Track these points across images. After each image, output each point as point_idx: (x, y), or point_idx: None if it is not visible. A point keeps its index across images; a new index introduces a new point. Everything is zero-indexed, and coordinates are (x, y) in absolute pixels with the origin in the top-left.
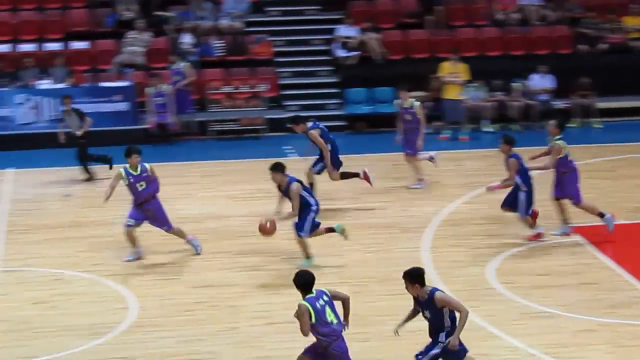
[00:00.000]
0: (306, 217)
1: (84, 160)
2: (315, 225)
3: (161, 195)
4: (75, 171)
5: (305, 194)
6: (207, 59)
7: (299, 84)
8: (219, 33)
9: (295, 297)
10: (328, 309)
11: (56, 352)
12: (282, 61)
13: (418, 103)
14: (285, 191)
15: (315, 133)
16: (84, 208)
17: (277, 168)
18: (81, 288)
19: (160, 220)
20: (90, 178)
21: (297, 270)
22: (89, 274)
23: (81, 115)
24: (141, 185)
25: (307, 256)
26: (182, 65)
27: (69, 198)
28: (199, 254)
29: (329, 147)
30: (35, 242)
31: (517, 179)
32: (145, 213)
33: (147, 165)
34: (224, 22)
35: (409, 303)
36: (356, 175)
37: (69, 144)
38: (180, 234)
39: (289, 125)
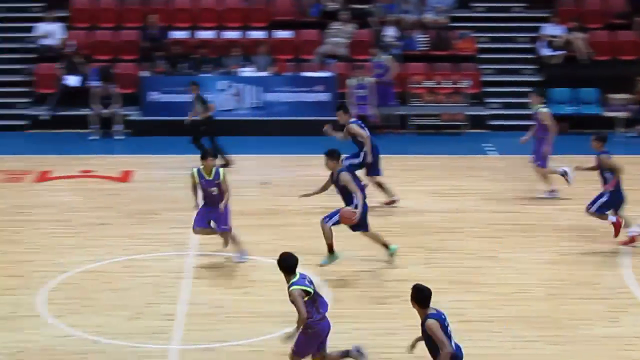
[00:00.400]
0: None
1: (199, 144)
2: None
3: None
4: (273, 159)
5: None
6: (410, 52)
7: (501, 81)
8: (423, 27)
9: (488, 296)
10: (315, 288)
11: (247, 337)
12: (485, 58)
13: (545, 109)
14: (336, 180)
15: (357, 127)
16: (281, 196)
17: (333, 155)
18: (275, 275)
19: (221, 218)
20: (227, 164)
21: (281, 253)
22: None
23: (204, 102)
24: (213, 191)
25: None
26: (383, 58)
27: (267, 186)
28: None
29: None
30: None
31: (608, 177)
32: (209, 214)
33: (221, 171)
34: (429, 17)
35: (603, 308)
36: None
37: (193, 129)
38: (227, 235)
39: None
